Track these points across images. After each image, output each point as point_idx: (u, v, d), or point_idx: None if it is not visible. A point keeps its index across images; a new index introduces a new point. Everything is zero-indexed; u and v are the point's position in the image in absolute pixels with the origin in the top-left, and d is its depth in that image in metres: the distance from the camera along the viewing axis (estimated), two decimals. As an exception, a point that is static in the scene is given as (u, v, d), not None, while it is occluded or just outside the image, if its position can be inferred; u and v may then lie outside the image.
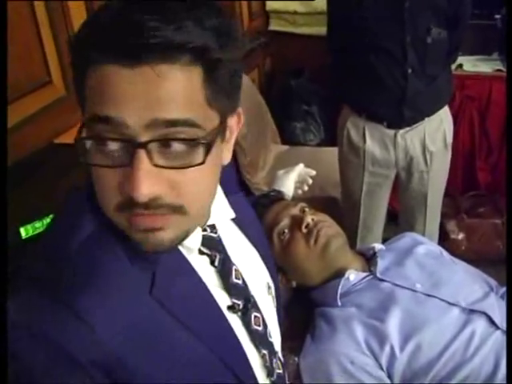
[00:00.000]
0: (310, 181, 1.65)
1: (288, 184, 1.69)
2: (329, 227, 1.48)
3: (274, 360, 0.96)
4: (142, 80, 0.63)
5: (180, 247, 0.79)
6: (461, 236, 3.16)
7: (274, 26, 3.80)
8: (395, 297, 1.37)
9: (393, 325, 1.30)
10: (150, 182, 0.64)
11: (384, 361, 1.28)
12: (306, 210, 1.51)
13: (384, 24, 2.16)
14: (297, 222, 1.47)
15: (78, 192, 0.79)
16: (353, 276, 1.43)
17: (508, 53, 1.67)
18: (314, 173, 1.62)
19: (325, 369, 1.31)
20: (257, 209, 1.42)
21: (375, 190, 2.48)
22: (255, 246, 1.01)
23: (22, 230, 1.39)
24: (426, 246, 1.58)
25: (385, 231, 2.61)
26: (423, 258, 1.51)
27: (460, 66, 3.24)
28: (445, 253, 1.64)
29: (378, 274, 1.44)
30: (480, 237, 3.16)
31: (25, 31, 1.80)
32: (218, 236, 0.87)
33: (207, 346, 0.79)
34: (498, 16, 3.24)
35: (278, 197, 1.62)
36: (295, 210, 1.51)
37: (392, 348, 1.27)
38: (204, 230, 0.84)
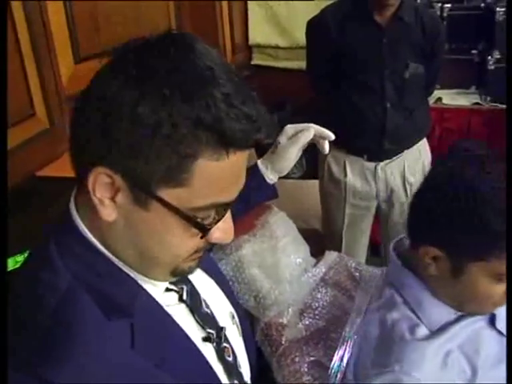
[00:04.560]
0: (327, 145, 1.27)
1: (290, 159, 1.26)
2: None
3: None
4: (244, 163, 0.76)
5: (150, 289, 0.81)
6: (443, 266, 3.17)
7: (257, 60, 3.87)
8: (483, 335, 1.21)
9: (481, 374, 1.16)
10: None
11: None
12: None
13: (363, 60, 2.21)
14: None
15: (45, 242, 0.78)
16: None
17: (508, 57, 1.69)
18: (331, 136, 1.24)
19: None
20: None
21: (357, 222, 2.50)
22: (211, 276, 1.02)
23: (3, 264, 1.38)
24: None
25: (368, 264, 2.62)
26: None
27: (439, 99, 3.31)
28: None
29: None
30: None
31: (9, 63, 1.81)
32: None
33: None
34: (474, 51, 3.32)
35: None
36: None
37: None
38: None
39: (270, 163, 1.23)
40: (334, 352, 1.73)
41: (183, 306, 0.87)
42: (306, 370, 1.59)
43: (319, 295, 1.93)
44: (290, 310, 1.87)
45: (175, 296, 0.87)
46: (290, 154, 1.21)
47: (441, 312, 1.20)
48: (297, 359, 1.63)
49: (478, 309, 1.18)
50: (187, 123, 0.66)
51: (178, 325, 0.83)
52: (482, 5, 3.28)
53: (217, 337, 0.89)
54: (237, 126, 0.67)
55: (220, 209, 0.74)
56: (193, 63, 0.68)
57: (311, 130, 1.20)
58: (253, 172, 1.23)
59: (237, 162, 0.72)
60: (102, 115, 0.68)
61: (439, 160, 1.27)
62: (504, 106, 3.16)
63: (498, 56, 3.18)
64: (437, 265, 1.16)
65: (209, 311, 0.92)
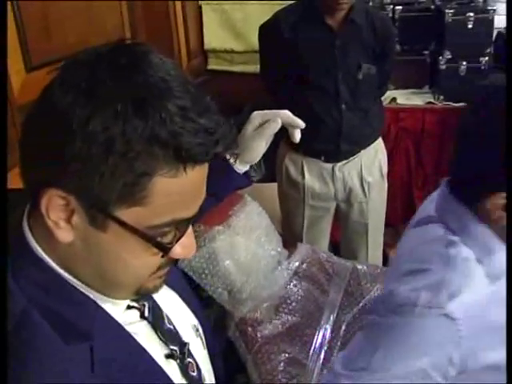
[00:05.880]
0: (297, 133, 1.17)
1: (258, 150, 1.16)
2: None
3: None
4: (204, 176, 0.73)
5: (109, 308, 0.79)
6: (403, 264, 3.22)
7: (213, 64, 3.87)
8: None
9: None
10: None
11: None
12: None
13: (317, 62, 2.24)
14: None
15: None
16: None
17: (508, 56, 1.71)
18: (301, 124, 1.15)
19: None
20: None
21: (317, 223, 2.52)
22: (173, 289, 0.99)
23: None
24: None
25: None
26: None
27: (394, 99, 3.36)
28: None
29: None
30: (421, 264, 3.21)
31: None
32: None
33: None
34: (426, 52, 3.39)
35: None
36: None
37: None
38: None
39: (237, 154, 1.15)
40: (310, 348, 1.74)
41: (145, 323, 0.85)
42: (282, 367, 1.58)
43: (294, 289, 1.93)
44: (264, 304, 1.86)
45: (137, 313, 0.85)
46: (257, 146, 1.12)
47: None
48: (272, 356, 1.62)
49: None
50: (141, 139, 0.63)
51: (139, 344, 0.80)
52: (432, 7, 3.36)
53: (180, 353, 0.88)
54: (194, 140, 0.65)
55: (181, 225, 0.72)
56: (146, 75, 0.65)
57: (278, 121, 1.10)
58: (221, 162, 1.13)
59: (196, 176, 0.69)
60: (52, 133, 0.65)
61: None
62: (456, 105, 3.24)
63: (449, 56, 3.25)
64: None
65: (172, 327, 0.90)
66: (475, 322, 1.07)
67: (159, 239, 0.71)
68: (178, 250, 0.75)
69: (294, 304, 1.89)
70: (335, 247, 2.78)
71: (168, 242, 0.72)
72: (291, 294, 1.92)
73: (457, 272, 1.09)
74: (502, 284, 1.10)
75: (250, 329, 1.77)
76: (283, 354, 1.66)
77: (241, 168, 1.15)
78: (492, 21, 3.21)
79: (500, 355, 1.06)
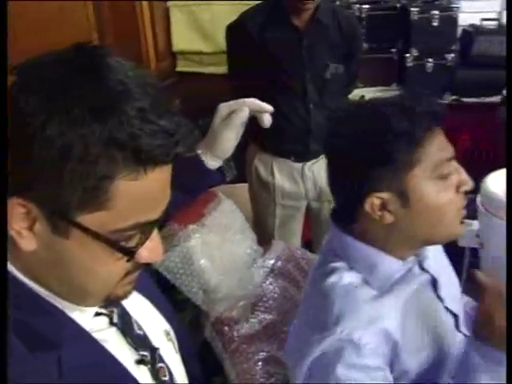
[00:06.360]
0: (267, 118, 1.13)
1: (228, 142, 1.14)
2: None
3: None
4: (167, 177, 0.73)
5: (77, 316, 0.78)
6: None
7: (181, 66, 3.85)
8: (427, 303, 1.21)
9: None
10: None
11: None
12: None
13: (284, 62, 2.24)
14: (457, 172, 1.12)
15: None
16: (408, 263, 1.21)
17: (508, 58, 1.78)
18: (269, 108, 1.13)
19: None
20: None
21: (288, 223, 2.54)
22: (142, 293, 0.98)
23: None
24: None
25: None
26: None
27: (362, 97, 3.38)
28: None
29: (426, 266, 1.23)
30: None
31: None
32: None
33: None
34: (393, 49, 3.43)
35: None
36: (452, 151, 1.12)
37: None
38: None
39: (208, 149, 1.12)
40: (288, 346, 1.74)
41: (114, 329, 0.84)
42: (260, 366, 1.57)
43: (270, 287, 1.93)
44: (241, 303, 1.86)
45: (105, 320, 0.84)
46: (227, 138, 1.10)
47: (391, 264, 1.17)
48: (250, 355, 1.61)
49: (433, 231, 1.14)
50: (99, 143, 0.63)
51: (108, 352, 0.80)
52: (398, 5, 3.40)
53: (151, 358, 0.87)
54: (153, 141, 0.65)
55: (146, 228, 0.72)
56: (103, 79, 0.65)
57: (245, 110, 1.07)
58: (193, 159, 1.12)
59: (158, 178, 0.69)
60: (9, 141, 0.64)
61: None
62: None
63: (416, 54, 3.30)
64: (389, 210, 1.11)
65: (141, 332, 0.90)
66: (380, 337, 1.11)
67: (123, 243, 0.70)
68: (144, 254, 0.74)
69: (270, 302, 1.89)
70: (307, 246, 2.79)
71: (133, 246, 0.71)
72: (267, 291, 1.92)
73: (337, 298, 1.14)
74: (397, 294, 1.16)
75: (226, 328, 1.77)
76: (261, 353, 1.66)
77: (213, 164, 1.13)
78: (456, 18, 3.27)
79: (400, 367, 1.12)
